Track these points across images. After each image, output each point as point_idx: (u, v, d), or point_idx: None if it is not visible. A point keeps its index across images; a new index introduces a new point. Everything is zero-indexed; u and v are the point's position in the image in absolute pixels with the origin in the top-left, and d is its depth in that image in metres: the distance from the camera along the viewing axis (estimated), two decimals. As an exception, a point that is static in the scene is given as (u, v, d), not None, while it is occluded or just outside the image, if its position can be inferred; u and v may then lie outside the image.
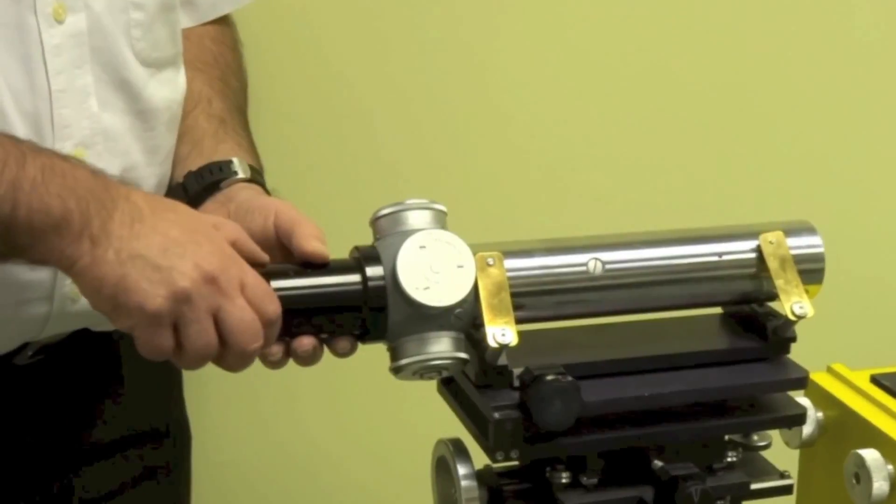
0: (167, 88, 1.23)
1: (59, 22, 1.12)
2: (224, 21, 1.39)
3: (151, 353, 0.97)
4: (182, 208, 1.03)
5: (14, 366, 1.20)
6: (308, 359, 0.99)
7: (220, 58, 1.36)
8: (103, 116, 1.16)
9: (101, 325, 1.23)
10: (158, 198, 1.03)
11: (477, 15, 1.64)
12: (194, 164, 1.21)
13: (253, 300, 0.97)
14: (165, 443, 1.37)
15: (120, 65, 1.17)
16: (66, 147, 1.13)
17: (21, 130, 1.10)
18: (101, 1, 1.15)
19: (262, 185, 1.20)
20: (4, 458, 1.23)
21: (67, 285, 1.14)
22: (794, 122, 1.74)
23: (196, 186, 1.18)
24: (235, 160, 1.20)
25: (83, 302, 1.17)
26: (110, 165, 1.17)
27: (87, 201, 0.96)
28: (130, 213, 0.97)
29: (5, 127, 1.09)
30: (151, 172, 1.23)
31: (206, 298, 0.95)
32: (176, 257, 0.95)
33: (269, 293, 0.97)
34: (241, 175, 1.18)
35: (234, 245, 1.01)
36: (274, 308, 0.97)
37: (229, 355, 0.98)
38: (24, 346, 1.20)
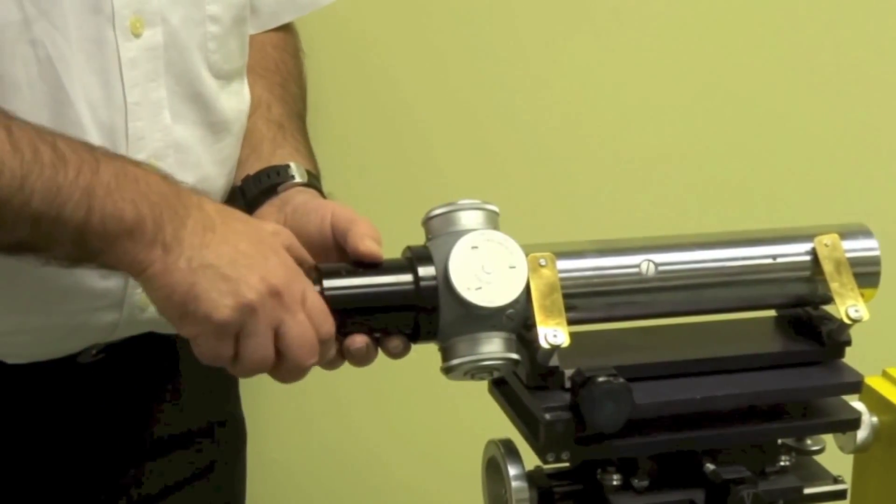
0: (236, 99, 1.25)
1: (137, 36, 1.13)
2: (286, 29, 1.40)
3: (210, 360, 0.98)
4: (248, 219, 1.04)
5: (77, 364, 1.21)
6: (362, 358, 1.00)
7: (281, 64, 1.37)
8: (175, 129, 1.18)
9: (167, 329, 1.25)
10: (228, 208, 1.04)
11: (532, 16, 1.64)
12: (252, 167, 1.22)
13: (312, 316, 0.98)
14: (222, 439, 1.38)
15: (194, 78, 1.19)
16: (138, 159, 1.14)
17: (97, 141, 1.11)
18: (179, 15, 1.16)
19: (318, 189, 1.21)
20: (67, 453, 1.25)
21: (137, 294, 1.15)
22: (850, 125, 1.72)
23: (254, 190, 1.19)
24: (293, 164, 1.21)
25: (152, 310, 1.19)
26: (182, 177, 1.18)
27: (160, 208, 0.97)
28: (202, 221, 0.99)
29: (82, 138, 1.11)
30: (221, 184, 1.24)
31: (270, 312, 0.97)
32: (244, 269, 0.97)
33: (326, 311, 0.98)
34: (298, 179, 1.19)
35: (289, 250, 1.02)
36: (329, 326, 0.98)
37: (284, 369, 1.00)
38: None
